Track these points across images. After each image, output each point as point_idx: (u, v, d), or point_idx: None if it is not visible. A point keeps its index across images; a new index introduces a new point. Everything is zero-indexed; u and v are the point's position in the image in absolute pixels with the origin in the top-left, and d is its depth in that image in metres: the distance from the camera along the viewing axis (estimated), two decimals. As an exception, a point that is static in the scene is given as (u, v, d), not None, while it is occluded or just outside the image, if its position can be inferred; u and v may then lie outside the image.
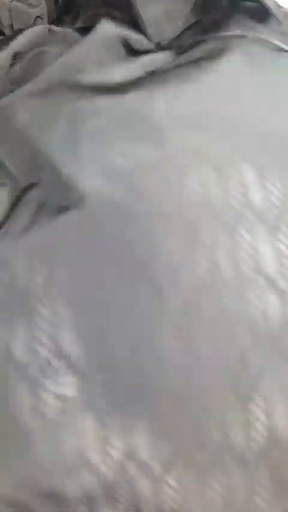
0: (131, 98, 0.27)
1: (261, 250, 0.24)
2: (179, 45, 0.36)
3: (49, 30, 0.35)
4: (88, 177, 0.23)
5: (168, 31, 0.36)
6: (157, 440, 0.22)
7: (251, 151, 0.26)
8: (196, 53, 0.32)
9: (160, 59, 0.33)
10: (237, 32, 0.34)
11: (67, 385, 0.22)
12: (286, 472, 0.21)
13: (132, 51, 0.34)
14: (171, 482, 0.21)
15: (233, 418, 0.22)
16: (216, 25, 0.37)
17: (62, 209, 0.23)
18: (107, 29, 0.33)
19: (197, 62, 0.30)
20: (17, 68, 0.34)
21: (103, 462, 0.21)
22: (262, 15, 0.35)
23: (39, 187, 0.24)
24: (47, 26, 0.36)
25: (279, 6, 0.38)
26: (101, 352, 0.22)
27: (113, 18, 0.36)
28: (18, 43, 0.34)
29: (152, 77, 0.29)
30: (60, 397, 0.21)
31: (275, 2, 0.38)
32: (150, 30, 0.35)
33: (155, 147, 0.25)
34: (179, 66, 0.30)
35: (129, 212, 0.23)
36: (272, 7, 0.36)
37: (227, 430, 0.22)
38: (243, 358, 0.22)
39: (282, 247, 0.24)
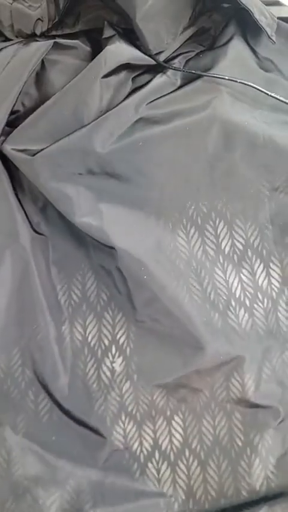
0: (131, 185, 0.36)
1: (230, 281, 0.35)
2: (176, 61, 0.40)
3: (55, 43, 0.38)
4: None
5: (168, 41, 0.39)
6: None
7: (224, 211, 0.37)
8: (192, 100, 0.38)
9: (158, 88, 0.38)
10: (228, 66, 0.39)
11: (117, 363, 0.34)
12: (251, 411, 0.33)
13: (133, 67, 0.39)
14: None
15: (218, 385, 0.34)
16: (212, 38, 0.42)
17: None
18: (112, 55, 0.37)
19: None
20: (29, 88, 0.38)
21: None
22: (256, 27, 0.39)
23: None
24: (53, 40, 0.38)
25: (274, 20, 0.40)
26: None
27: (113, 23, 0.39)
28: (34, 65, 0.37)
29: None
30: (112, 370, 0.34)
31: (271, 14, 0.40)
32: (150, 40, 0.38)
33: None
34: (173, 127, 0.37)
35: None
36: (266, 25, 0.39)
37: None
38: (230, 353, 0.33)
39: (244, 278, 0.36)
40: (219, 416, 0.33)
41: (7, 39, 0.40)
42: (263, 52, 0.42)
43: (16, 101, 0.37)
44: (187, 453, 0.32)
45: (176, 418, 0.33)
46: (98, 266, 0.35)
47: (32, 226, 0.36)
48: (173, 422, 0.33)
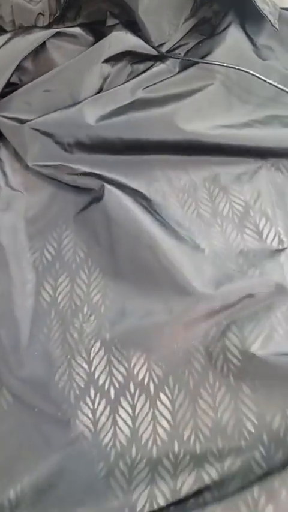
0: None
1: (230, 240, 0.30)
2: (177, 51, 0.40)
3: (58, 32, 0.38)
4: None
5: (169, 32, 0.39)
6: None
7: (217, 179, 0.34)
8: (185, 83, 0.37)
9: (156, 74, 0.38)
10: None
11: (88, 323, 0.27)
12: (263, 381, 0.24)
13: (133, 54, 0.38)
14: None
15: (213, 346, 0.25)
16: (212, 27, 0.41)
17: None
18: (116, 41, 0.36)
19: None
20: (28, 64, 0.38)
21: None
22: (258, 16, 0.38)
23: None
24: (55, 29, 0.38)
25: (276, 8, 0.39)
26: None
27: (115, 15, 0.38)
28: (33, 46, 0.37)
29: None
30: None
31: (273, 3, 0.39)
32: (152, 32, 0.37)
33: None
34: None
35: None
36: (268, 13, 0.38)
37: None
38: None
39: (246, 236, 0.31)
40: (221, 393, 0.24)
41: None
42: (262, 40, 0.41)
43: (9, 79, 0.37)
44: (176, 448, 0.23)
45: (162, 396, 0.24)
46: (80, 218, 0.32)
47: (7, 184, 0.34)
48: (158, 402, 0.24)
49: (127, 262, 0.28)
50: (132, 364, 0.25)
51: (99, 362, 0.26)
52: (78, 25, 0.39)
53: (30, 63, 0.38)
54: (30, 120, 0.35)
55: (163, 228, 0.29)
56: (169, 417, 0.24)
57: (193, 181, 0.34)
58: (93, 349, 0.26)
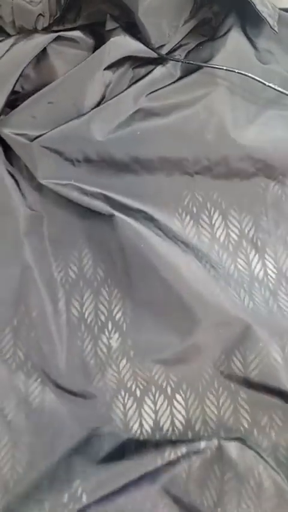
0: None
1: (227, 266, 0.34)
2: (177, 53, 0.41)
3: (58, 36, 0.38)
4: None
5: (169, 34, 0.39)
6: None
7: (219, 201, 0.36)
8: (189, 90, 0.38)
9: (157, 80, 0.39)
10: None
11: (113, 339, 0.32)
12: (256, 393, 0.31)
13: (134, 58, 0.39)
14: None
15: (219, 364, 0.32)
16: (212, 28, 0.42)
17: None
18: (116, 47, 0.37)
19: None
20: (30, 71, 0.38)
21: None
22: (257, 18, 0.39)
23: None
24: (56, 34, 0.38)
25: (276, 10, 0.40)
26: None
27: (114, 17, 0.39)
28: (35, 53, 0.38)
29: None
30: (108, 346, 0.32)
31: (272, 5, 0.40)
32: (152, 34, 0.38)
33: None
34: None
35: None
36: (267, 15, 0.38)
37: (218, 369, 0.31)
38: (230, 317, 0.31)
39: (240, 267, 0.35)
40: (224, 397, 0.30)
41: (9, 36, 0.39)
42: (262, 43, 0.42)
43: (14, 87, 0.37)
44: (190, 436, 0.30)
45: (177, 397, 0.31)
46: (95, 240, 0.35)
47: (26, 204, 0.36)
48: (175, 402, 0.31)
49: (141, 286, 0.32)
50: (153, 373, 0.31)
51: (126, 372, 0.31)
52: (78, 27, 0.40)
53: (32, 71, 0.39)
54: (37, 136, 0.36)
55: (172, 249, 0.33)
56: (183, 412, 0.31)
57: (196, 200, 0.36)
58: (121, 364, 0.31)
